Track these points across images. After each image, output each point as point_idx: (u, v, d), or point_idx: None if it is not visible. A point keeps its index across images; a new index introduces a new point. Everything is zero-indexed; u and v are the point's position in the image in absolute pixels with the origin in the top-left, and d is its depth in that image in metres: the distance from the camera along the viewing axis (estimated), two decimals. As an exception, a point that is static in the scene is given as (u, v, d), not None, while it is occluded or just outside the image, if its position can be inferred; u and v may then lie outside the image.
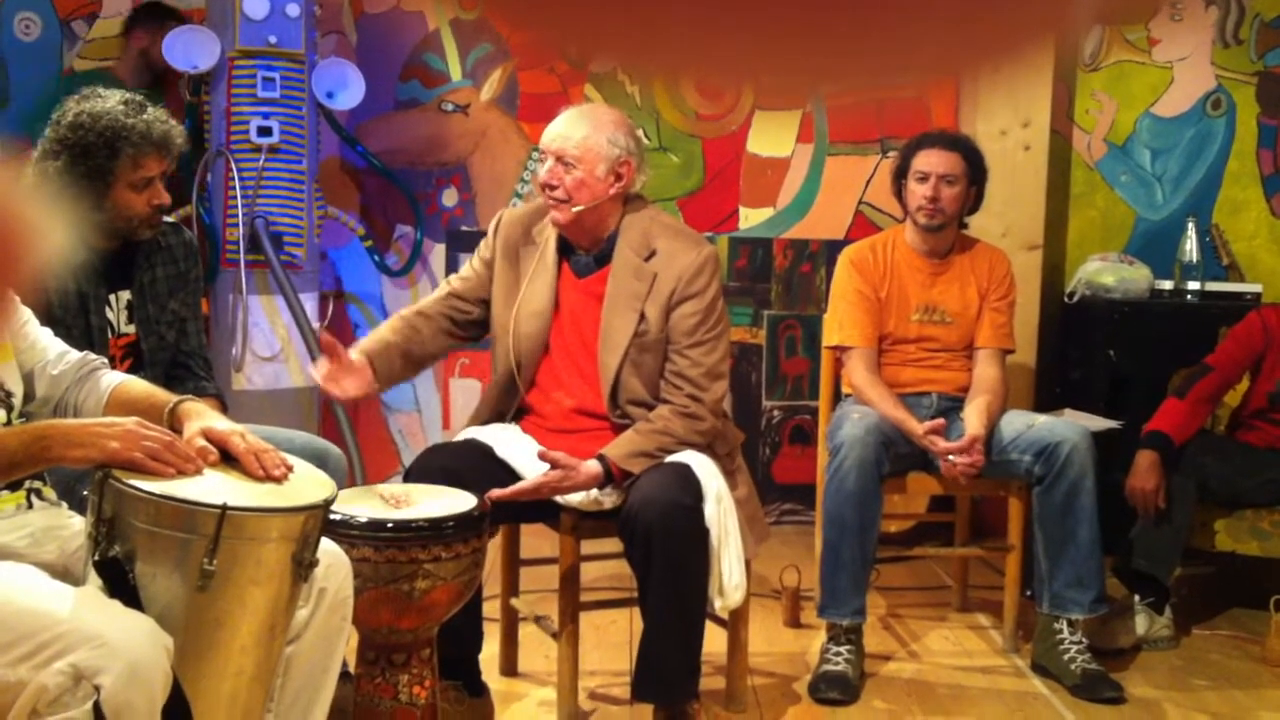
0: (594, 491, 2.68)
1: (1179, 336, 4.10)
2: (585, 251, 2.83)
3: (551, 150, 2.75)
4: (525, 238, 2.87)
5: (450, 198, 4.78)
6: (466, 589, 2.38)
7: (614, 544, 2.81)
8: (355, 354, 2.69)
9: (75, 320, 2.66)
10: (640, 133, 2.89)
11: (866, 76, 0.39)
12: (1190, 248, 4.40)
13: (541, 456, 2.61)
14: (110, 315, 2.77)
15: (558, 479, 2.61)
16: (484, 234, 4.56)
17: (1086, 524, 3.17)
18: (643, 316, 2.75)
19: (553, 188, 2.74)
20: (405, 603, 2.28)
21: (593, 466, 2.63)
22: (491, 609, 3.03)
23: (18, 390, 2.04)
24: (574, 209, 2.73)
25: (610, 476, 2.64)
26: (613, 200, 2.78)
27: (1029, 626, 3.38)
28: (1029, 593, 3.38)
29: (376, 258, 4.65)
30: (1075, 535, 3.18)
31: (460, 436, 2.88)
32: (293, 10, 3.98)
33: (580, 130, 2.74)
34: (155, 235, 2.78)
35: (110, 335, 2.76)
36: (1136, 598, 3.47)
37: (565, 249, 2.85)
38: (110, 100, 2.63)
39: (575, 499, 2.69)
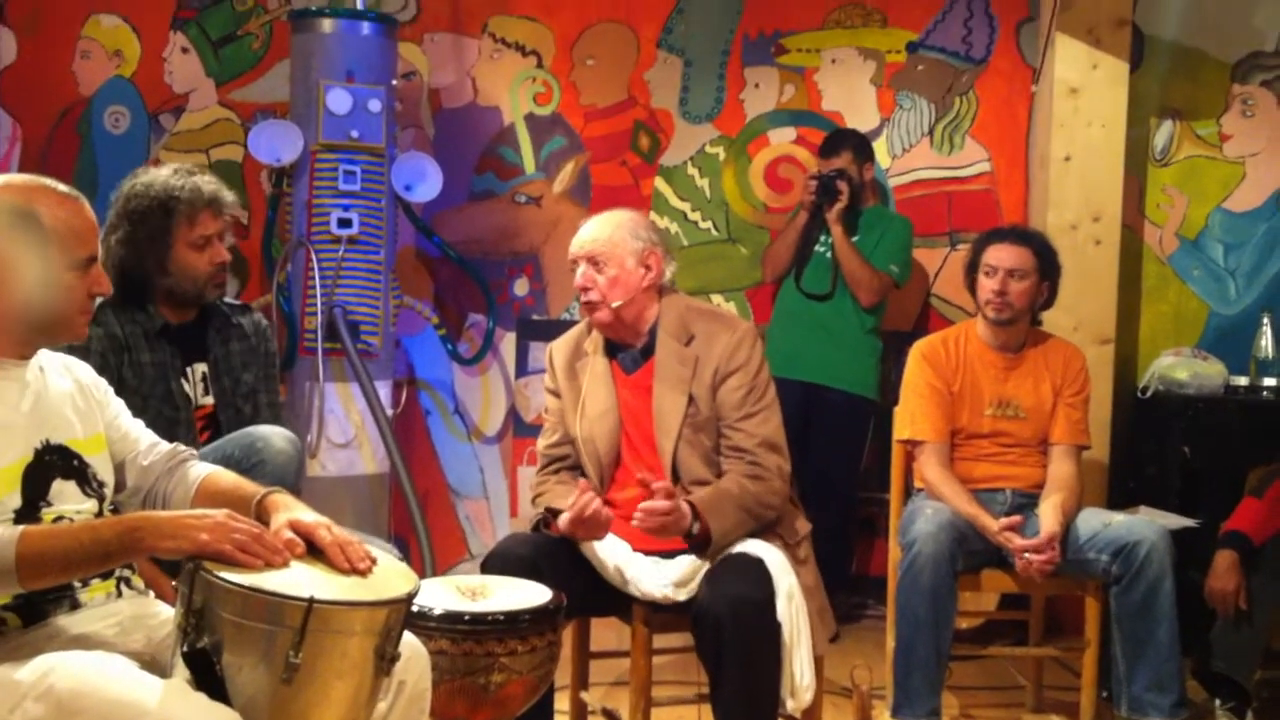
0: (667, 584, 2.70)
1: (1255, 433, 4.05)
2: (630, 347, 2.91)
3: (582, 255, 2.87)
4: (577, 353, 2.98)
5: (522, 287, 4.85)
6: (541, 683, 2.38)
7: (682, 637, 2.80)
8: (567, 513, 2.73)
9: (154, 389, 2.77)
10: (663, 222, 2.96)
11: None
12: (1265, 343, 4.35)
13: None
14: (187, 387, 2.87)
15: (665, 508, 2.61)
16: (555, 323, 4.67)
17: (1166, 625, 3.11)
18: (691, 399, 2.81)
19: (587, 290, 2.85)
20: (481, 696, 2.28)
21: (685, 507, 2.66)
22: (561, 700, 3.02)
23: (109, 481, 2.09)
24: (612, 305, 2.83)
25: (696, 516, 2.66)
26: (647, 292, 2.88)
27: (1106, 730, 3.31)
28: (1105, 694, 3.31)
29: (449, 346, 4.71)
30: (1154, 636, 3.12)
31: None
32: (374, 106, 4.09)
33: (604, 230, 2.88)
34: (221, 294, 2.94)
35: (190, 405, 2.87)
36: (1217, 701, 3.39)
37: (611, 350, 2.93)
38: (162, 171, 2.85)
39: (649, 588, 2.71)
